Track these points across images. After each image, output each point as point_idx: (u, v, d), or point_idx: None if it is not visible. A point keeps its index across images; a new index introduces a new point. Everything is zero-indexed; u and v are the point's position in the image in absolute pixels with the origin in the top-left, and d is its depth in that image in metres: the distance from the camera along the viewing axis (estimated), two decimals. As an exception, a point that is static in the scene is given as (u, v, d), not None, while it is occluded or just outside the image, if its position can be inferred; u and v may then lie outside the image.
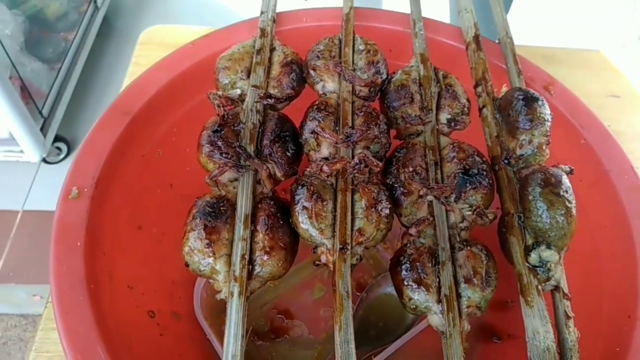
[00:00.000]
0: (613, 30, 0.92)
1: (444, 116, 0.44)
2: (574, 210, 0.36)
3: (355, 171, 0.37)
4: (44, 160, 1.43)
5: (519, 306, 0.46)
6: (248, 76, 0.44)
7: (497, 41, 0.53)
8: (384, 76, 0.46)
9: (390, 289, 0.52)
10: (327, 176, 0.38)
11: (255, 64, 0.45)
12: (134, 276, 0.45)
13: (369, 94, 0.45)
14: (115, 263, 0.42)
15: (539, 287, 0.36)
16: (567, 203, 0.36)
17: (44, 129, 1.42)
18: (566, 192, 0.36)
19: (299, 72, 0.45)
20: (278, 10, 0.54)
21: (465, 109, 0.45)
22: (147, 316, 0.45)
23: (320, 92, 0.45)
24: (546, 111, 0.41)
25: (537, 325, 0.34)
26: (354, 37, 0.48)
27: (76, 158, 0.42)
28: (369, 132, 0.39)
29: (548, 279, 0.36)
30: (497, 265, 0.38)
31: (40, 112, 1.41)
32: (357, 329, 0.49)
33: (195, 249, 0.35)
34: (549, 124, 0.41)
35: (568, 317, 0.35)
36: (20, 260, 1.32)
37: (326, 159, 0.40)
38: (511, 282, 0.53)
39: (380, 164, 0.38)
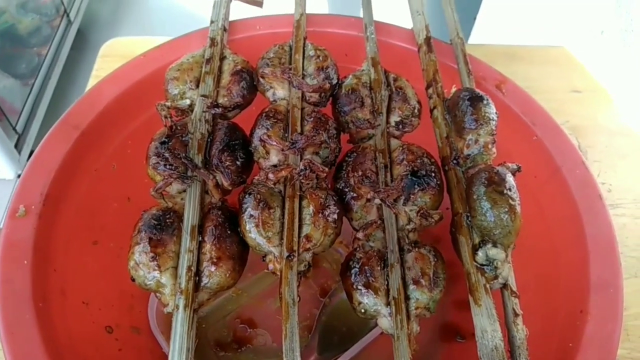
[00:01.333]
0: (577, 26, 0.93)
1: (394, 119, 0.44)
2: (518, 208, 0.36)
3: (301, 177, 0.37)
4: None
5: None
6: (197, 86, 0.44)
7: (449, 42, 0.54)
8: (334, 81, 0.46)
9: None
10: (274, 184, 0.38)
11: (204, 74, 0.45)
12: (90, 292, 0.44)
13: (320, 99, 0.45)
14: (68, 279, 0.42)
15: (487, 285, 0.36)
16: (510, 201, 0.36)
17: (18, 146, 1.41)
18: (509, 190, 0.36)
19: (249, 80, 0.45)
20: (232, 18, 0.54)
21: (416, 110, 0.45)
22: (105, 331, 0.44)
23: (271, 100, 0.45)
24: (491, 110, 0.42)
25: (485, 324, 0.34)
26: (304, 44, 0.48)
27: (23, 176, 0.42)
28: (315, 137, 0.39)
29: (496, 277, 0.36)
30: (445, 265, 0.38)
31: (14, 129, 1.40)
32: (320, 335, 0.50)
33: (141, 263, 0.35)
34: (494, 122, 0.41)
35: (516, 315, 0.36)
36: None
37: (275, 166, 0.40)
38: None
39: (327, 169, 0.38)
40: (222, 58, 0.47)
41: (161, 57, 0.51)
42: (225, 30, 0.50)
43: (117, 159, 0.49)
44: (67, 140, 0.44)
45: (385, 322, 0.35)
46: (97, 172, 0.48)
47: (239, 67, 0.46)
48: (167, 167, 0.38)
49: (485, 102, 0.42)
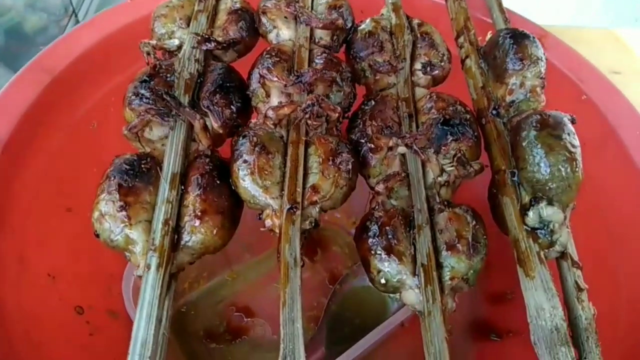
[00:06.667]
0: (615, 11, 0.86)
1: (418, 69, 0.37)
2: (579, 157, 0.29)
3: (307, 116, 0.30)
4: None
5: (522, 297, 0.39)
6: (188, 25, 0.38)
7: (481, -6, 0.47)
8: (349, 24, 0.39)
9: (366, 280, 0.44)
10: (275, 125, 0.31)
11: (196, 12, 0.38)
12: (58, 264, 0.38)
13: (331, 42, 0.38)
14: (30, 246, 0.35)
15: (541, 253, 0.28)
16: (569, 147, 0.29)
17: (18, 143, 1.36)
18: (568, 134, 0.29)
19: (250, 21, 0.39)
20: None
21: (445, 58, 0.38)
22: (74, 312, 0.37)
23: (274, 43, 0.38)
24: (538, 51, 0.35)
25: (540, 300, 0.27)
26: (314, -16, 0.41)
27: (-20, 119, 0.35)
28: (325, 73, 0.32)
29: (552, 244, 0.29)
30: (486, 230, 0.30)
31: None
32: (329, 327, 0.42)
33: (107, 214, 0.28)
34: (543, 63, 0.34)
35: (580, 290, 0.28)
36: None
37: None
38: (509, 271, 0.46)
39: (339, 109, 0.31)
40: (219, -1, 0.41)
41: (151, 2, 0.44)
42: (224, -28, 0.44)
43: (97, 117, 0.43)
44: (36, 83, 0.38)
45: (411, 296, 0.28)
46: (73, 129, 0.41)
47: (238, 5, 0.39)
48: (144, 101, 0.31)
49: (531, 40, 0.35)
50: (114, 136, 0.42)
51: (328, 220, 0.49)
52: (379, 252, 0.28)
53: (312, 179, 0.29)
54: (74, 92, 0.40)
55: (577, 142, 0.29)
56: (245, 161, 0.29)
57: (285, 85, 0.32)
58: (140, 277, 0.27)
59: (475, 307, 0.45)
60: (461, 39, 0.40)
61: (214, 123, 0.32)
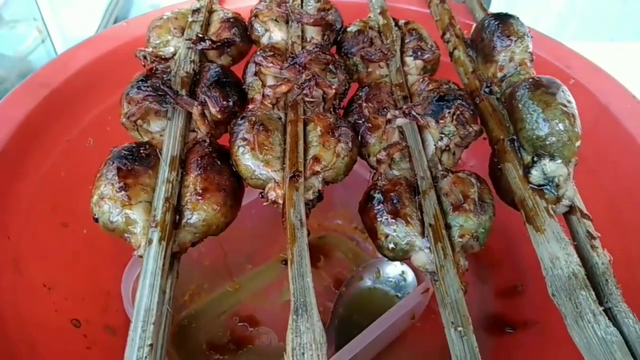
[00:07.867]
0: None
1: (409, 56, 0.38)
2: (575, 112, 0.29)
3: (304, 92, 0.31)
4: None
5: (534, 288, 0.39)
6: (183, 34, 0.39)
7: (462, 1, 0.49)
8: (338, 25, 0.41)
9: (372, 282, 0.43)
10: (273, 106, 0.31)
11: (190, 22, 0.40)
12: (54, 277, 0.37)
13: (322, 42, 0.39)
14: (25, 254, 0.34)
15: (549, 208, 0.28)
16: (565, 102, 0.29)
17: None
18: (563, 92, 0.30)
19: (242, 28, 0.40)
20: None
21: (434, 48, 0.39)
22: (70, 324, 0.36)
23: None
24: (524, 27, 0.36)
25: (554, 249, 0.26)
26: (303, -6, 0.43)
27: (-23, 128, 0.35)
28: (319, 54, 0.33)
29: (558, 199, 0.29)
30: (492, 193, 0.30)
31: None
32: (337, 329, 0.41)
33: (106, 197, 0.28)
34: (529, 38, 0.35)
35: (593, 238, 0.27)
36: None
37: (273, 95, 0.33)
38: (517, 264, 0.45)
39: (334, 85, 0.32)
40: (211, 12, 0.42)
41: (147, 23, 0.46)
42: (215, -10, 0.46)
43: (94, 134, 0.43)
44: (33, 96, 0.38)
45: (422, 257, 0.27)
46: (69, 145, 0.41)
47: (230, 15, 0.41)
48: (142, 89, 0.31)
49: (515, 19, 0.36)
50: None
51: (329, 228, 0.48)
52: (385, 217, 0.28)
53: (313, 151, 0.29)
54: (70, 107, 0.41)
55: (572, 99, 0.30)
56: (244, 139, 0.29)
57: (281, 69, 0.32)
58: (140, 256, 0.27)
59: (486, 303, 0.43)
60: (447, 35, 0.42)
61: (212, 108, 0.32)
